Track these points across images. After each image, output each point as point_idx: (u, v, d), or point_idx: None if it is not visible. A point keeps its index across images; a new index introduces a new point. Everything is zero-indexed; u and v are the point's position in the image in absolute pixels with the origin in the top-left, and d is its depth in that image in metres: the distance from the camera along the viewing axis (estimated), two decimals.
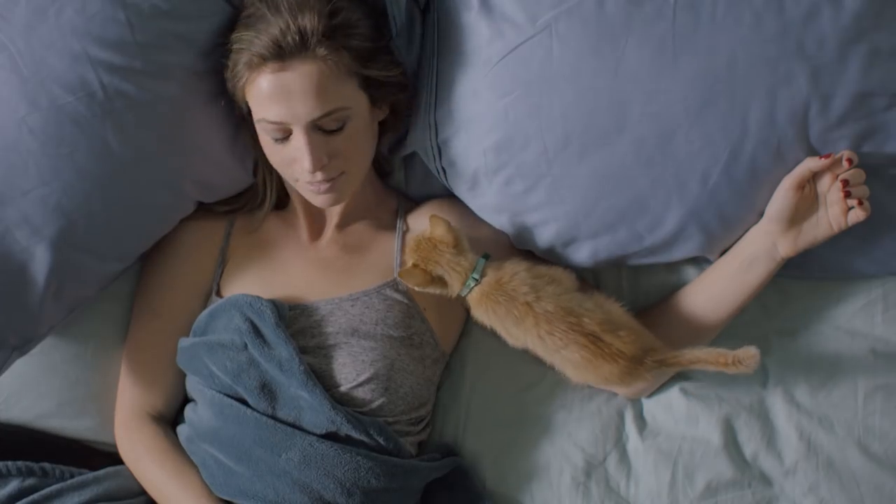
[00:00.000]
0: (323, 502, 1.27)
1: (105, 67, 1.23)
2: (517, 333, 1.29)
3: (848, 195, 1.24)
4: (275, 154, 1.32)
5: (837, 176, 1.25)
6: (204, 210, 1.43)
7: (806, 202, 1.27)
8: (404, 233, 1.45)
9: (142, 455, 1.37)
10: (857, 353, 1.39)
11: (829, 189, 1.26)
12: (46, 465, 1.35)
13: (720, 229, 1.32)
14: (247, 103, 1.30)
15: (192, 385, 1.38)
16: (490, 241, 1.41)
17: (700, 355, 1.26)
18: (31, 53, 1.22)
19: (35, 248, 1.25)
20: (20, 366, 1.35)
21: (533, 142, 1.30)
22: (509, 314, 1.27)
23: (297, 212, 1.47)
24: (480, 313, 1.31)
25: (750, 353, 1.23)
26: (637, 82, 1.25)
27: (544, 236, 1.37)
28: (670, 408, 1.42)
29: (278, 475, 1.27)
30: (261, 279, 1.40)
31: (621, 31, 1.24)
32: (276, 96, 1.25)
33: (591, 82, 1.26)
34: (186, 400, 1.43)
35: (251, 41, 1.24)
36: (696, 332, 1.36)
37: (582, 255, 1.38)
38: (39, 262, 1.26)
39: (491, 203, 1.38)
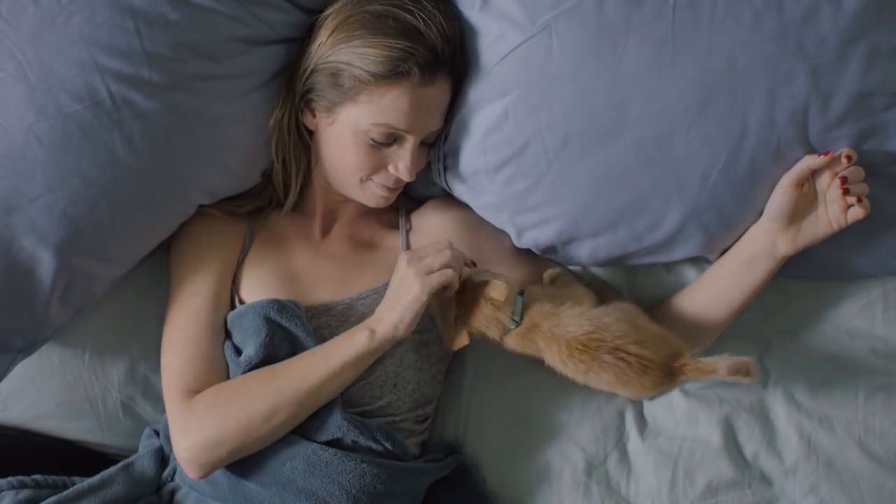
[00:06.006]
0: None
1: (113, 76, 1.23)
2: (551, 362, 1.26)
3: (847, 192, 1.23)
4: (364, 156, 1.33)
5: (837, 173, 1.24)
6: (227, 208, 1.42)
7: (805, 200, 1.27)
8: (408, 231, 1.46)
9: (242, 388, 1.26)
10: (857, 353, 1.38)
11: (829, 187, 1.25)
12: (39, 476, 1.34)
13: (720, 229, 1.32)
14: (304, 99, 1.33)
15: None
16: (491, 239, 1.42)
17: (722, 363, 1.21)
18: (38, 61, 1.22)
19: (41, 254, 1.27)
20: (18, 367, 1.37)
21: (533, 141, 1.30)
22: (538, 348, 1.25)
23: (314, 211, 1.47)
24: (515, 348, 1.28)
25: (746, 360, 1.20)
26: (637, 82, 1.24)
27: (544, 235, 1.37)
28: (671, 408, 1.42)
29: (284, 484, 1.27)
30: (275, 280, 1.38)
31: (621, 31, 1.24)
32: (415, 108, 1.28)
33: (591, 82, 1.26)
34: None
35: (406, 50, 1.24)
36: (698, 332, 1.36)
37: (581, 254, 1.38)
38: (45, 267, 1.27)
39: (491, 202, 1.39)
